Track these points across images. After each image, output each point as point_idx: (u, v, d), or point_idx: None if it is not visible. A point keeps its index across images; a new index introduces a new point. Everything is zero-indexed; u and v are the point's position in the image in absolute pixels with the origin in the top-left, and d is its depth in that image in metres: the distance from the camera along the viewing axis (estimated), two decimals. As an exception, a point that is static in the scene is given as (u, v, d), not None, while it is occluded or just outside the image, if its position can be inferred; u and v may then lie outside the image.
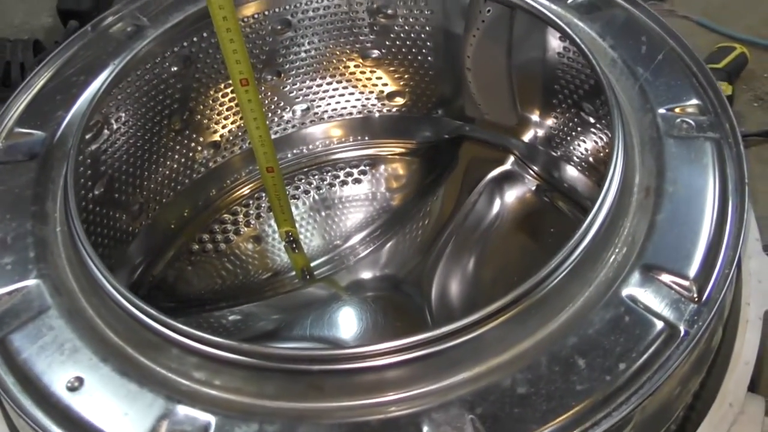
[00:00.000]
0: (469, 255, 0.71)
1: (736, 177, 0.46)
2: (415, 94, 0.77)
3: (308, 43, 0.71)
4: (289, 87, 0.75)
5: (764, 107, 1.00)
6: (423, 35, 0.71)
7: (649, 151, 0.48)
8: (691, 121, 0.49)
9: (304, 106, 0.77)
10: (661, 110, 0.49)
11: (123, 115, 0.60)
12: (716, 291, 0.40)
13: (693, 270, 0.41)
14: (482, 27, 0.65)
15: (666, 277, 0.41)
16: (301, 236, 0.71)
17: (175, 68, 0.64)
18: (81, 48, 0.57)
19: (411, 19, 0.70)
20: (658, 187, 0.45)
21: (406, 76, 0.76)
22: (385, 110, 0.79)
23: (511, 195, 0.75)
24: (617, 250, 0.42)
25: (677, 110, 0.49)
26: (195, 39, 0.63)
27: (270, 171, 0.63)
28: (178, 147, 0.71)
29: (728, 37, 1.09)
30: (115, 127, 0.59)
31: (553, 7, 0.57)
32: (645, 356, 0.38)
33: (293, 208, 0.70)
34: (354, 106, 0.79)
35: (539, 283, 0.39)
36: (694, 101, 0.50)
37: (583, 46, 0.51)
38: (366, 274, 0.69)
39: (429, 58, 0.73)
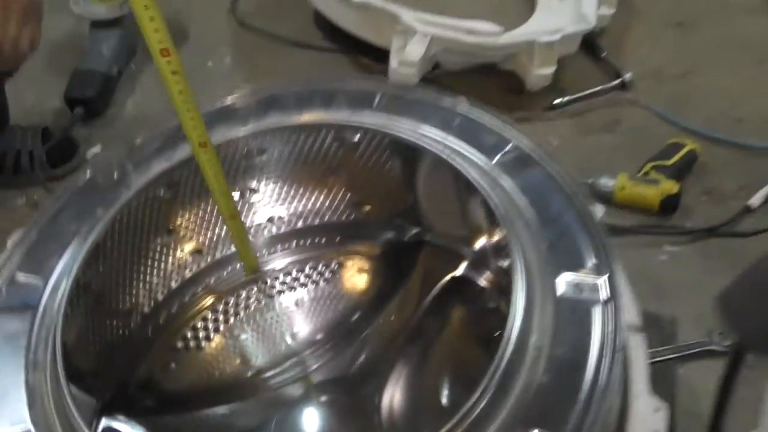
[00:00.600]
0: (420, 359, 0.79)
1: (616, 342, 0.54)
2: (378, 203, 0.86)
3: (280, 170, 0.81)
4: (263, 198, 0.85)
5: (712, 201, 1.08)
6: (386, 151, 0.80)
7: (546, 311, 0.56)
8: (585, 284, 0.57)
9: (277, 214, 0.86)
10: (563, 273, 0.58)
11: (109, 243, 0.70)
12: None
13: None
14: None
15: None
16: (262, 338, 0.81)
17: (161, 194, 0.73)
18: (73, 194, 0.67)
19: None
20: (550, 348, 0.54)
21: (369, 186, 0.85)
22: (351, 216, 0.88)
23: (464, 299, 0.84)
24: (505, 412, 0.51)
25: (575, 273, 0.58)
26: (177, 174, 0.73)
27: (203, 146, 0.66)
28: (164, 257, 0.81)
29: (684, 129, 1.17)
30: (102, 258, 0.69)
31: (481, 162, 0.66)
32: None
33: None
34: (319, 212, 0.88)
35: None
36: (591, 263, 0.58)
37: (494, 210, 0.60)
38: (325, 378, 0.79)
39: (390, 173, 0.82)
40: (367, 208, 0.87)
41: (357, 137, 0.74)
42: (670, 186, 1.04)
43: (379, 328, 0.84)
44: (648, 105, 1.23)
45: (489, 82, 1.26)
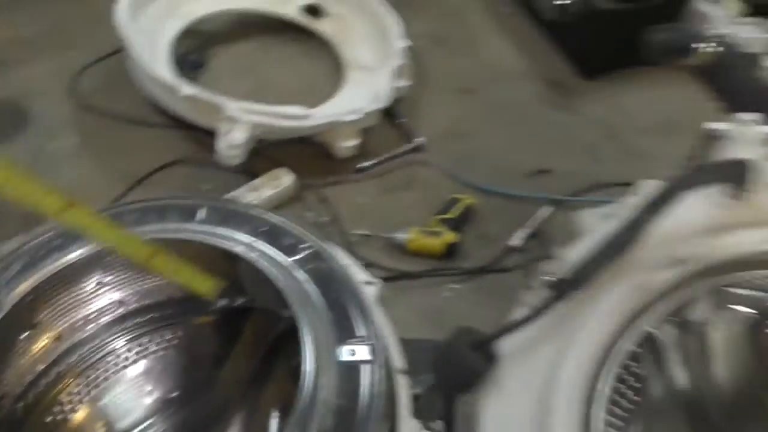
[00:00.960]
0: (254, 407, 1.00)
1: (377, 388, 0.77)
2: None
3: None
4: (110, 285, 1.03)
5: (484, 244, 1.36)
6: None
7: (331, 373, 0.78)
8: (358, 349, 0.80)
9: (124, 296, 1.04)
10: (343, 343, 0.80)
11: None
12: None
13: None
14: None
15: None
16: (121, 404, 0.99)
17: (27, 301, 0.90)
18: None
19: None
20: (335, 399, 0.76)
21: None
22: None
23: (287, 355, 1.05)
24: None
25: (351, 343, 0.80)
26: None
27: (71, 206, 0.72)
28: (30, 346, 0.97)
29: (465, 184, 1.44)
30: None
31: (280, 259, 0.87)
32: None
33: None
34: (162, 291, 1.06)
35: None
36: (362, 333, 0.81)
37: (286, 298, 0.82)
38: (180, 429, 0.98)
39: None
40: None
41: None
42: (450, 236, 1.31)
43: (221, 383, 1.03)
44: (437, 164, 1.50)
45: (306, 151, 1.48)
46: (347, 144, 1.43)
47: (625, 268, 0.69)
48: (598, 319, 0.68)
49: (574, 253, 0.71)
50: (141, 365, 1.03)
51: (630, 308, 0.68)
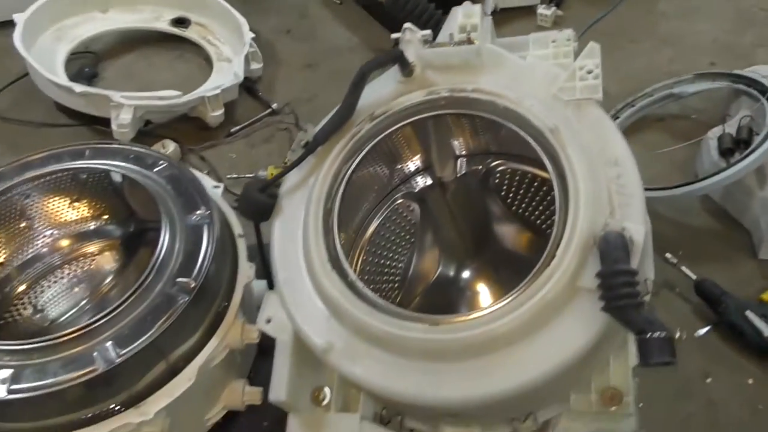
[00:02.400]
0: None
1: (214, 239, 1.19)
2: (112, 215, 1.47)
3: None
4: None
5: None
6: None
7: (183, 234, 1.20)
8: (201, 215, 1.21)
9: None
10: (191, 214, 1.22)
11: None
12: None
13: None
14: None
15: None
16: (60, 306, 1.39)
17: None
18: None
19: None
20: (185, 248, 1.18)
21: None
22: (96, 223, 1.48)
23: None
24: (163, 282, 1.14)
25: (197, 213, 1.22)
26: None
27: None
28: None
29: (310, 132, 1.87)
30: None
31: (145, 171, 1.28)
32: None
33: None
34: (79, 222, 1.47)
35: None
36: (203, 208, 1.23)
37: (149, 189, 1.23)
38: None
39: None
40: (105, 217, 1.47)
41: (85, 175, 1.35)
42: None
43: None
44: (290, 122, 1.93)
45: (186, 126, 1.90)
46: (216, 114, 1.85)
47: (345, 128, 1.12)
48: (331, 159, 1.11)
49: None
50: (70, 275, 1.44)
51: (348, 150, 1.11)
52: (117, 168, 1.29)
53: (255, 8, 2.19)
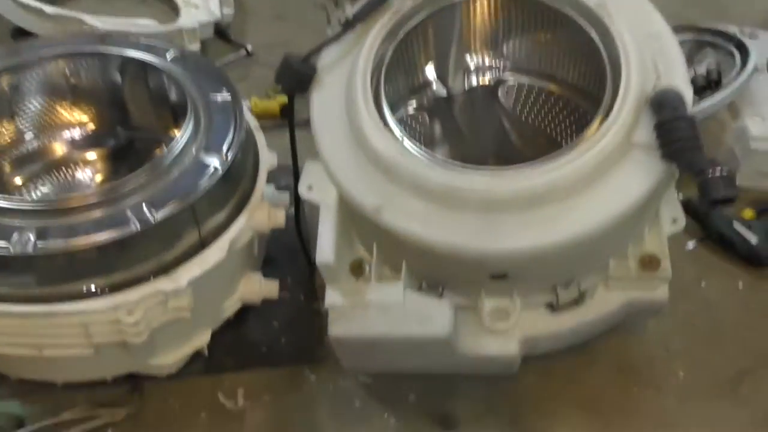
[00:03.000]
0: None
1: (241, 124, 1.15)
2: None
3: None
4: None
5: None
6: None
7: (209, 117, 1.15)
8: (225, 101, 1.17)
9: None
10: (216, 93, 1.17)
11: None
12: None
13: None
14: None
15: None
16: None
17: None
18: None
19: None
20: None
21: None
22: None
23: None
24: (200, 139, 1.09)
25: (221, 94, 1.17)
26: None
27: None
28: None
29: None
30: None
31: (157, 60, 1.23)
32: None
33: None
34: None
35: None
36: (226, 92, 1.18)
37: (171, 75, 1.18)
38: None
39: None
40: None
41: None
42: (282, 99, 1.70)
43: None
44: (263, 63, 1.90)
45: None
46: (193, 48, 1.80)
47: (386, 8, 1.12)
48: (374, 35, 1.10)
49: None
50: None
51: (391, 25, 1.11)
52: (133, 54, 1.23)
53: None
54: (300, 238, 1.28)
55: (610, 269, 1.07)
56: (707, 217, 1.46)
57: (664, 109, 0.97)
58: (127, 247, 0.98)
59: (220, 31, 1.96)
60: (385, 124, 1.03)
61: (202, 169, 1.05)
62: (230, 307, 1.18)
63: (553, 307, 1.09)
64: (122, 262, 0.99)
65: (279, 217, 1.15)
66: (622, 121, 0.98)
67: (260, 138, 1.23)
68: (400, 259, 1.07)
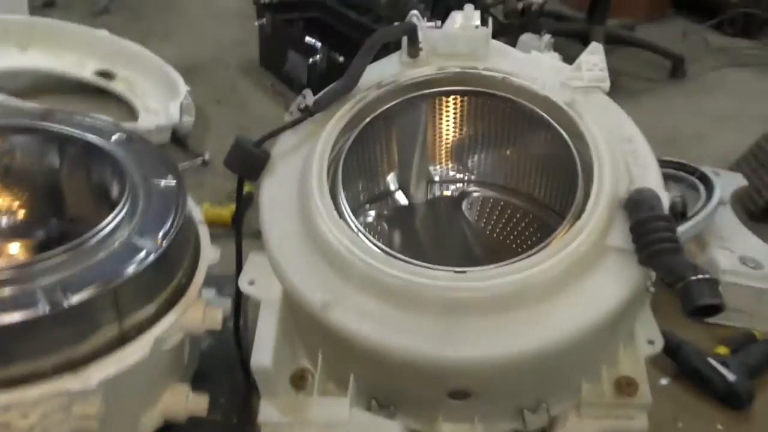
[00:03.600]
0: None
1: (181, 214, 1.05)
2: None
3: None
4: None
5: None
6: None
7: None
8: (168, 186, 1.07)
9: None
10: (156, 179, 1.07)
11: None
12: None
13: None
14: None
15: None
16: None
17: None
18: None
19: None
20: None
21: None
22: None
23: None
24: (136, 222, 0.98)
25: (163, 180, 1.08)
26: None
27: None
28: None
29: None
30: None
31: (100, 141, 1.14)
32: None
33: None
34: None
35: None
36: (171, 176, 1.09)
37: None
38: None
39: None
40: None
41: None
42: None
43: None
44: (220, 172, 1.82)
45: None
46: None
47: (348, 96, 1.06)
48: (334, 121, 1.03)
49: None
50: None
51: (353, 113, 1.04)
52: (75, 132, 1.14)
53: (185, 80, 2.13)
54: (238, 345, 1.14)
55: (583, 393, 0.96)
56: (680, 352, 1.37)
57: (640, 208, 0.90)
58: (32, 332, 0.84)
59: (178, 138, 1.90)
60: (340, 215, 0.94)
61: (132, 253, 0.94)
62: (149, 423, 1.02)
63: (519, 436, 0.97)
64: (24, 351, 0.85)
65: (215, 318, 1.02)
66: (595, 222, 0.90)
67: (204, 232, 1.13)
68: (347, 370, 0.95)
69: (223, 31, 2.66)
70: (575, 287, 0.88)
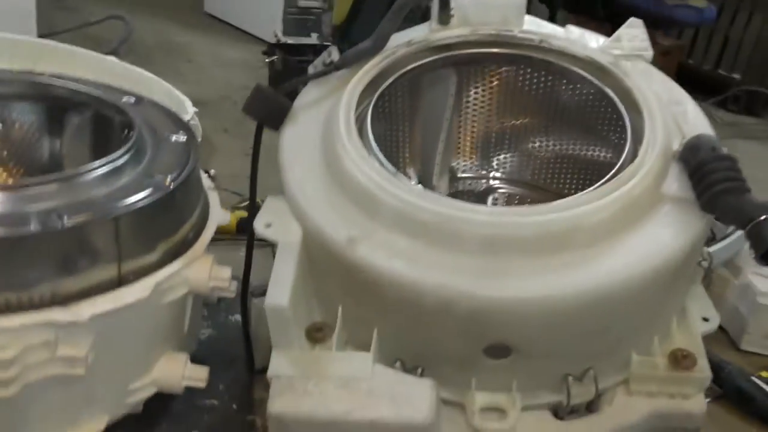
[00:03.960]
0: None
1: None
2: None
3: None
4: None
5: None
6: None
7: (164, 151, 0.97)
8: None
9: None
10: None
11: None
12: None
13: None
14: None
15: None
16: None
17: None
18: None
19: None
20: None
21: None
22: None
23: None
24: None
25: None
26: None
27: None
28: None
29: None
30: None
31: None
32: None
33: None
34: None
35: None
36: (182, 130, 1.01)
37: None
38: None
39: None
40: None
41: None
42: (240, 214, 1.53)
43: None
44: (225, 188, 1.74)
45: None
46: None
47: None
48: (360, 76, 0.96)
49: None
50: None
51: (379, 69, 0.98)
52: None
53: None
54: (246, 332, 1.04)
55: (633, 365, 0.85)
56: (723, 372, 1.25)
57: (700, 149, 0.82)
58: (20, 253, 0.74)
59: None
60: (369, 152, 0.86)
61: (137, 188, 0.85)
62: (140, 390, 0.90)
63: (560, 412, 0.85)
64: (8, 274, 0.75)
65: (223, 276, 0.92)
66: (650, 166, 0.83)
67: (214, 197, 1.04)
68: (370, 325, 0.84)
69: (230, 75, 2.65)
70: (629, 233, 0.80)
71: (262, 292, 1.27)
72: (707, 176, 0.79)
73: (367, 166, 0.83)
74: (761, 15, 3.73)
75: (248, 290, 1.03)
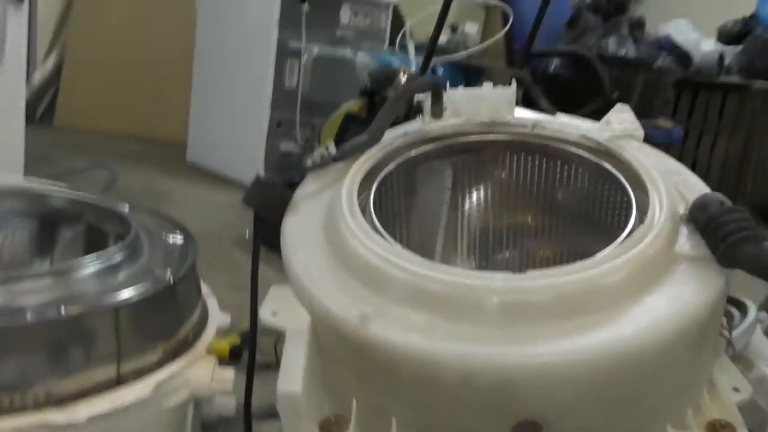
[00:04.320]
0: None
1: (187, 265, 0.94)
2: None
3: None
4: None
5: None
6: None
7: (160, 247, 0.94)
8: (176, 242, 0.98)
9: None
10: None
11: None
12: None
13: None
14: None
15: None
16: None
17: None
18: None
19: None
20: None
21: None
22: None
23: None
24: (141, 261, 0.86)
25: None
26: None
27: None
28: None
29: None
30: None
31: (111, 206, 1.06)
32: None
33: None
34: None
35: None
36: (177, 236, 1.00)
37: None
38: None
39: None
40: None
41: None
42: (233, 340, 1.47)
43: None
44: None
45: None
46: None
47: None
48: (359, 165, 0.96)
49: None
50: None
51: (376, 159, 0.98)
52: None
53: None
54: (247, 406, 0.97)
55: (670, 438, 0.80)
56: None
57: (708, 207, 0.81)
58: (15, 347, 0.70)
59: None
60: (374, 231, 0.84)
61: (135, 281, 0.82)
62: None
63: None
64: (1, 371, 0.70)
65: (226, 378, 0.87)
66: (660, 227, 0.82)
67: (212, 303, 1.01)
68: (388, 416, 0.78)
69: (216, 216, 2.68)
70: (649, 293, 0.77)
71: (265, 414, 1.21)
72: (720, 228, 0.78)
73: (371, 242, 0.81)
74: (724, 139, 3.90)
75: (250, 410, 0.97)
